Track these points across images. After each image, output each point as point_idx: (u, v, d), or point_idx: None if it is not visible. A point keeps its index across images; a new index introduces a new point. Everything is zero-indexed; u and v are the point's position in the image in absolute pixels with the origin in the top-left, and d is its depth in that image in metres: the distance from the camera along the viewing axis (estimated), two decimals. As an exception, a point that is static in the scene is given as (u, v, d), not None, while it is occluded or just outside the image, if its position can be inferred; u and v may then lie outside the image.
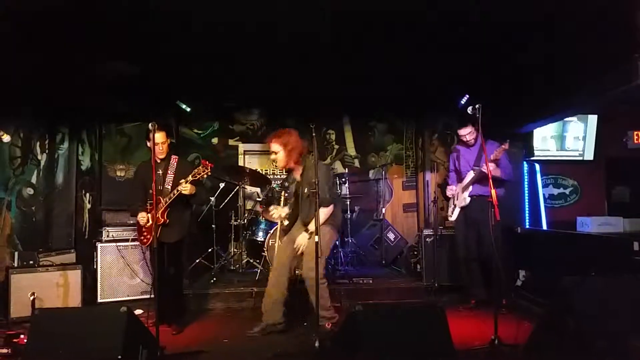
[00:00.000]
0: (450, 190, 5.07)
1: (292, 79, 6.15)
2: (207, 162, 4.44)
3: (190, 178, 4.39)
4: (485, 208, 4.58)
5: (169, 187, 4.57)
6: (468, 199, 4.88)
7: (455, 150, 5.41)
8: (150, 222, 4.50)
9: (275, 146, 4.35)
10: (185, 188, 4.38)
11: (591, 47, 4.18)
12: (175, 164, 4.69)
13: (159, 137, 4.50)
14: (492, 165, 4.59)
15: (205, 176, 4.46)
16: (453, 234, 5.89)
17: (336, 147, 8.02)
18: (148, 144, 4.54)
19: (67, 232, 6.15)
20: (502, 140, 4.80)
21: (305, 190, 4.31)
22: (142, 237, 4.69)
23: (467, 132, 5.01)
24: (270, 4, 4.01)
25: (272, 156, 4.41)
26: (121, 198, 6.60)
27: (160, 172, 4.62)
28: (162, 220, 4.47)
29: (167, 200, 4.45)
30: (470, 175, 4.90)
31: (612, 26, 3.87)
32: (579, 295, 3.22)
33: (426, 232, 6.13)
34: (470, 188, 4.85)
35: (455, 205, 5.05)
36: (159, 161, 4.60)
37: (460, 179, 5.19)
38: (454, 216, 5.03)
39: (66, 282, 5.08)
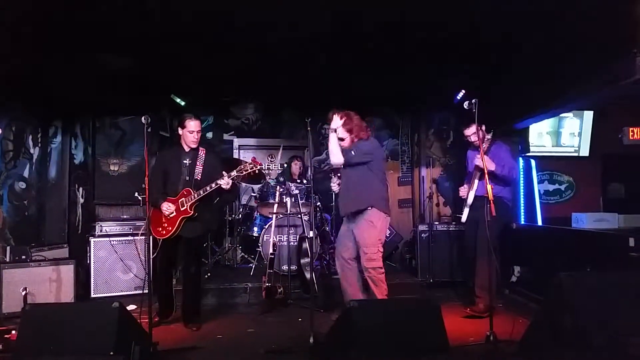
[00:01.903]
0: (462, 190, 5.00)
1: (288, 73, 6.11)
2: (256, 160, 4.32)
3: (235, 173, 4.26)
4: (485, 206, 4.57)
5: (199, 178, 4.41)
6: (472, 198, 4.81)
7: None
8: (175, 212, 4.34)
9: (342, 133, 4.39)
10: (228, 182, 4.24)
11: (589, 43, 4.16)
12: (203, 155, 4.52)
13: (196, 124, 4.40)
14: (486, 159, 4.54)
15: (252, 173, 4.30)
16: (449, 231, 5.99)
17: (332, 142, 7.99)
18: (180, 131, 4.46)
19: (60, 227, 6.11)
20: (497, 134, 4.77)
21: None
22: (160, 229, 4.40)
23: (472, 132, 4.86)
24: (270, 1, 3.97)
25: (340, 141, 4.41)
26: (115, 192, 6.56)
27: (188, 162, 4.47)
28: (191, 213, 4.31)
29: (202, 192, 4.27)
30: (474, 173, 4.84)
31: (611, 21, 3.84)
32: (575, 292, 3.21)
33: (421, 227, 6.12)
34: (475, 186, 4.79)
35: (465, 206, 4.95)
36: (187, 150, 4.49)
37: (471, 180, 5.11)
38: (464, 217, 4.94)
39: (59, 277, 5.04)
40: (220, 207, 5.16)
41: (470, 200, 4.78)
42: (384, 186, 4.45)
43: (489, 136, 4.79)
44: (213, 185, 4.25)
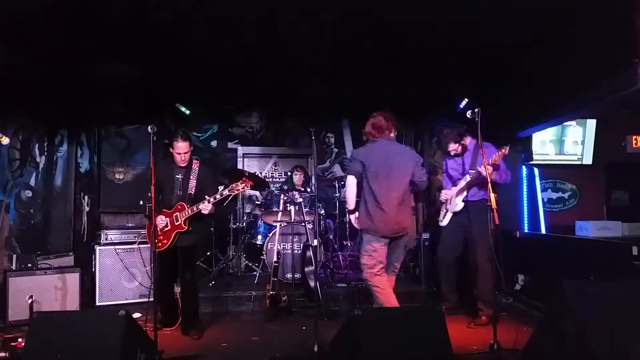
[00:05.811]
0: (445, 195, 5.02)
1: (291, 82, 6.16)
2: (247, 179, 4.39)
3: (226, 192, 4.34)
4: (478, 212, 4.59)
5: (193, 192, 4.48)
6: (462, 204, 4.84)
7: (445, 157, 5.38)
8: (169, 226, 4.42)
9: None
10: (207, 208, 4.32)
11: (591, 52, 4.19)
12: (197, 168, 4.58)
13: (184, 146, 4.41)
14: (489, 169, 4.57)
15: (242, 192, 4.39)
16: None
17: (335, 150, 8.04)
18: (171, 150, 4.48)
19: (66, 235, 6.14)
20: (500, 143, 4.79)
21: None
22: (156, 241, 4.38)
23: (454, 148, 5.00)
24: (271, 5, 4.01)
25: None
26: (120, 201, 6.59)
27: (181, 177, 4.52)
28: (185, 228, 4.39)
29: (195, 209, 4.34)
30: (465, 180, 4.85)
31: (612, 31, 3.88)
32: (578, 300, 3.21)
33: (425, 235, 6.12)
34: (465, 193, 4.81)
35: (447, 210, 4.98)
36: (179, 165, 4.54)
37: (453, 183, 5.13)
38: (445, 221, 4.96)
39: (64, 285, 5.07)
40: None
41: (459, 207, 4.81)
42: (365, 205, 4.30)
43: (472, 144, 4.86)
44: (195, 208, 4.34)
